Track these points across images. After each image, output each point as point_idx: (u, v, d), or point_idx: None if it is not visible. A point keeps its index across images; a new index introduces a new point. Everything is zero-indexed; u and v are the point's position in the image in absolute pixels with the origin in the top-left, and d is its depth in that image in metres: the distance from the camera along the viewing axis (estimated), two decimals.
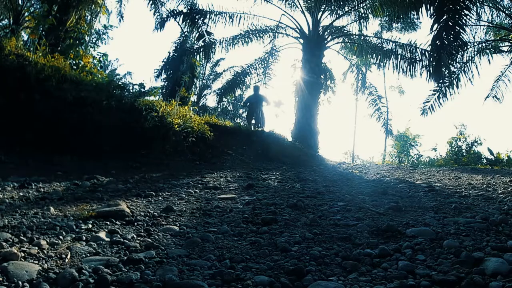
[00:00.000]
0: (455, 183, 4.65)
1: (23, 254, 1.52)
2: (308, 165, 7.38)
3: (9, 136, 4.72)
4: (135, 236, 1.91)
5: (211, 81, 22.28)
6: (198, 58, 11.76)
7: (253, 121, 10.22)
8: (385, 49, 10.83)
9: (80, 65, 7.86)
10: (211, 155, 6.50)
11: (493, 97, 12.19)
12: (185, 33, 11.83)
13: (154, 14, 10.85)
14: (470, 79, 10.25)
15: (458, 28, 6.32)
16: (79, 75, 6.02)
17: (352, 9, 10.97)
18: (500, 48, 11.64)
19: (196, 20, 10.41)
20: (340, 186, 4.21)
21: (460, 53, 9.16)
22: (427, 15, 6.94)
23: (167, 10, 10.71)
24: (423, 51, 9.96)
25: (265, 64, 12.03)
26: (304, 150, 9.24)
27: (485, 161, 11.26)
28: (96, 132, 4.96)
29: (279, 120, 46.54)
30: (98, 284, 1.29)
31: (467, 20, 6.70)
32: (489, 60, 11.23)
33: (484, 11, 11.38)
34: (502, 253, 1.58)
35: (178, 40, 12.08)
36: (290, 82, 14.66)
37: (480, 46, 11.27)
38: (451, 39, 6.32)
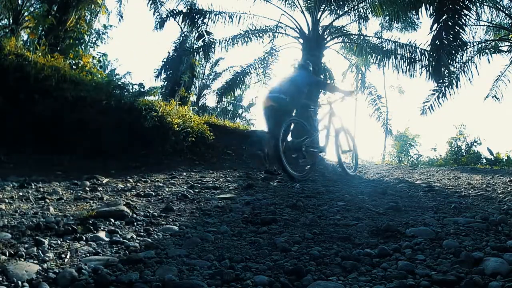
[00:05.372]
0: (454, 183, 4.65)
1: (22, 254, 1.52)
2: None
3: (9, 136, 4.72)
4: (134, 236, 1.91)
5: (210, 81, 22.23)
6: (197, 58, 11.74)
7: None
8: (384, 48, 10.82)
9: (80, 65, 7.85)
10: (211, 155, 6.50)
11: (492, 97, 12.19)
12: (185, 33, 11.83)
13: (154, 14, 10.83)
14: (469, 79, 10.24)
15: (458, 28, 6.32)
16: (78, 75, 6.02)
17: (352, 9, 10.96)
18: (500, 48, 11.63)
19: (196, 20, 10.40)
20: (339, 186, 4.21)
21: (459, 53, 9.14)
22: (427, 15, 6.94)
23: (167, 10, 10.70)
24: (422, 51, 9.95)
25: (265, 64, 12.02)
26: None
27: (484, 161, 11.26)
28: (96, 132, 4.97)
29: None
30: (97, 284, 1.29)
31: (467, 20, 6.70)
32: (488, 60, 11.22)
33: (484, 11, 11.37)
34: (501, 253, 1.58)
35: (178, 40, 12.07)
36: None
37: (479, 46, 11.26)
38: (451, 39, 6.32)
